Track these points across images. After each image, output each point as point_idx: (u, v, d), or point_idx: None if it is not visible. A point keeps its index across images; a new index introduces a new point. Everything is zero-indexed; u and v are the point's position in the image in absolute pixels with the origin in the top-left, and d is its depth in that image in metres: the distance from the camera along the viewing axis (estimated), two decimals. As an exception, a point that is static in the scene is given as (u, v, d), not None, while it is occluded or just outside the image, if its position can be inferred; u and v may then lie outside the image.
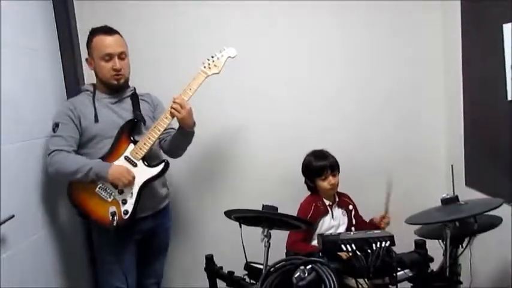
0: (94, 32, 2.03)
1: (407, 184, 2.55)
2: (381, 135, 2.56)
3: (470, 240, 1.65)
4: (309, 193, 2.29)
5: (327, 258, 1.59)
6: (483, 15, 2.05)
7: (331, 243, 1.59)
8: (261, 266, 1.72)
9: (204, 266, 1.97)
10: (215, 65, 2.04)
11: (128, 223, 1.95)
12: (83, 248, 2.38)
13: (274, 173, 2.56)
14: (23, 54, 1.98)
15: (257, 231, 1.78)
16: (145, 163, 2.00)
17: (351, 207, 2.29)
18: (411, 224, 1.65)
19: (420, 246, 1.67)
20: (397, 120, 2.56)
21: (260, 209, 1.78)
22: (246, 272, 1.82)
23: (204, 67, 2.04)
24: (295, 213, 2.16)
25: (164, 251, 2.30)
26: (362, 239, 1.57)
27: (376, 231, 1.66)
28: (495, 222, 1.68)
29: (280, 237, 1.95)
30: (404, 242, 1.69)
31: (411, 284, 1.67)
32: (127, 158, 1.98)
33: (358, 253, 1.54)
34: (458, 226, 1.63)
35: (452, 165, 1.95)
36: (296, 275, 1.19)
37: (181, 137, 2.10)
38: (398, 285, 1.58)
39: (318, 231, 2.17)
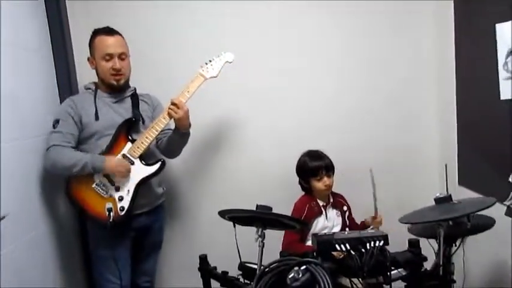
0: (96, 33, 2.08)
1: (401, 183, 2.56)
2: (374, 135, 2.56)
3: (463, 239, 1.66)
4: (303, 193, 2.29)
5: (321, 258, 1.59)
6: (476, 15, 2.06)
7: (325, 243, 1.60)
8: (255, 266, 1.72)
9: (198, 265, 1.96)
10: (213, 69, 2.10)
11: (124, 219, 2.00)
12: (77, 243, 2.38)
13: (269, 173, 2.55)
14: (15, 53, 1.95)
15: (252, 231, 1.78)
16: (143, 161, 2.05)
17: (345, 208, 2.29)
18: (405, 223, 1.65)
19: (414, 245, 1.67)
20: (391, 120, 2.57)
21: (254, 209, 1.78)
22: (240, 272, 1.82)
23: (202, 70, 2.09)
24: (289, 213, 2.15)
25: (157, 250, 2.32)
26: (356, 239, 1.58)
27: (370, 231, 1.66)
28: (489, 223, 1.69)
29: (274, 237, 1.94)
30: (398, 241, 1.70)
31: (405, 283, 1.67)
32: (125, 156, 2.01)
33: (352, 252, 1.55)
34: (451, 225, 1.64)
35: (446, 165, 1.95)
36: (290, 276, 1.19)
37: (177, 138, 2.13)
38: (392, 284, 1.59)
39: (311, 232, 2.16)
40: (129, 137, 2.05)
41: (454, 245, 1.68)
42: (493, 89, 1.88)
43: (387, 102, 2.56)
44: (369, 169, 2.06)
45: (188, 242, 2.60)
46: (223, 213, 1.84)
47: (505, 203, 1.81)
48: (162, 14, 2.49)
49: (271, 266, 1.30)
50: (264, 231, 1.76)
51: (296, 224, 1.85)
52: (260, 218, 1.75)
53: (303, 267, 1.21)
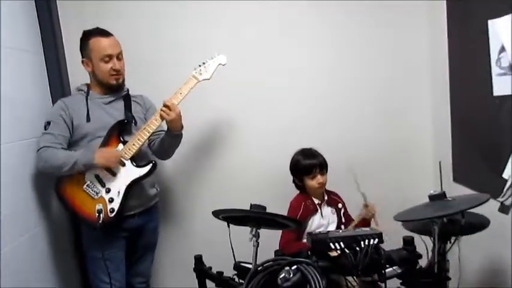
0: (89, 34, 2.06)
1: (395, 181, 2.56)
2: (368, 132, 2.57)
3: (457, 237, 1.66)
4: (297, 192, 2.28)
5: (316, 256, 1.59)
6: (469, 11, 2.06)
7: (320, 242, 1.59)
8: (251, 266, 1.71)
9: (193, 266, 1.96)
10: (206, 71, 2.10)
11: (114, 221, 1.99)
12: (72, 243, 2.37)
13: (263, 173, 2.55)
14: (6, 54, 1.94)
15: (246, 231, 1.77)
16: (134, 163, 2.04)
17: (340, 205, 2.29)
18: (399, 221, 1.65)
19: (408, 243, 1.66)
20: (385, 117, 2.57)
21: (248, 208, 1.77)
22: (235, 272, 1.81)
23: (195, 72, 2.09)
24: (283, 212, 2.15)
25: (151, 250, 2.31)
26: (350, 237, 1.57)
27: (364, 229, 1.66)
28: (483, 223, 1.69)
29: (269, 236, 1.94)
30: (393, 239, 1.70)
31: (400, 281, 1.67)
32: None
33: (347, 251, 1.54)
34: (446, 222, 1.64)
35: (440, 162, 1.95)
36: (281, 276, 1.18)
37: (169, 140, 2.13)
38: (387, 282, 1.58)
39: (307, 230, 2.17)
40: (121, 139, 2.05)
41: (448, 242, 1.68)
42: (486, 85, 1.88)
43: (381, 100, 2.56)
44: (351, 172, 2.09)
45: (183, 242, 2.59)
46: (217, 213, 1.83)
47: (498, 199, 1.82)
48: (155, 14, 2.48)
49: (262, 266, 1.29)
50: (258, 230, 1.76)
51: (290, 223, 1.84)
52: (254, 218, 1.74)
53: (294, 267, 1.20)
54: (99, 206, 1.93)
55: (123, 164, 2.01)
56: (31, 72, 2.17)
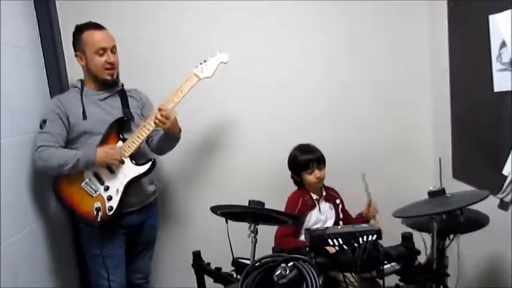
0: (82, 28, 2.03)
1: (395, 177, 2.56)
2: (368, 128, 2.56)
3: (455, 234, 1.65)
4: (295, 188, 2.28)
5: (313, 253, 1.58)
6: (470, 6, 2.04)
7: (318, 238, 1.59)
8: (249, 262, 1.71)
9: (192, 262, 1.95)
10: (208, 69, 2.08)
11: (113, 219, 1.98)
12: (71, 241, 2.37)
13: (261, 169, 2.54)
14: (6, 51, 1.94)
15: (245, 226, 1.77)
16: (133, 161, 2.02)
17: (338, 201, 2.28)
18: (398, 217, 1.64)
19: (407, 239, 1.66)
20: (385, 112, 2.56)
21: (246, 204, 1.77)
22: (234, 268, 1.80)
23: (197, 70, 2.07)
24: (281, 208, 2.14)
25: (151, 247, 2.30)
26: (349, 233, 1.56)
27: (363, 225, 1.65)
28: (483, 221, 1.68)
29: (267, 232, 1.94)
30: (392, 235, 1.69)
31: (398, 277, 1.66)
32: None
33: (345, 247, 1.54)
34: (445, 219, 1.63)
35: (440, 158, 1.94)
36: (277, 273, 1.18)
37: (167, 140, 2.14)
38: (386, 278, 1.58)
39: (305, 225, 2.17)
40: (120, 136, 2.03)
41: (447, 238, 1.68)
42: (486, 81, 1.86)
43: (380, 96, 2.54)
44: (362, 173, 2.07)
45: (182, 238, 2.59)
46: (215, 209, 1.82)
47: (498, 195, 1.81)
48: (155, 12, 2.46)
49: (258, 263, 1.29)
50: (256, 226, 1.75)
51: (288, 219, 1.84)
52: (252, 214, 1.74)
53: (290, 264, 1.19)
54: (97, 204, 1.92)
55: (123, 162, 2.00)
56: (29, 68, 2.16)
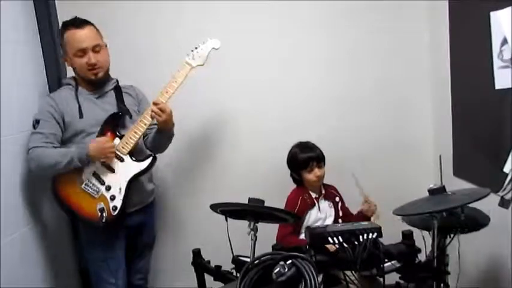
0: (65, 26, 1.95)
1: (395, 175, 2.55)
2: (368, 125, 2.54)
3: (456, 233, 1.65)
4: (294, 186, 2.27)
5: (313, 251, 1.58)
6: (471, 2, 2.03)
7: (318, 236, 1.58)
8: (249, 260, 1.70)
9: (192, 260, 1.95)
10: (199, 56, 2.01)
11: (118, 219, 1.94)
12: (70, 245, 2.35)
13: (261, 167, 2.53)
14: (5, 47, 1.93)
15: (245, 224, 1.76)
16: (133, 158, 1.98)
17: (337, 199, 2.27)
18: (398, 215, 1.64)
19: (407, 237, 1.65)
20: (385, 109, 2.55)
21: (246, 202, 1.77)
22: (233, 266, 1.80)
23: (189, 58, 2.01)
24: (281, 207, 2.14)
25: (150, 247, 2.28)
26: (349, 231, 1.56)
27: (363, 223, 1.64)
28: (483, 221, 1.68)
29: (267, 230, 1.93)
30: (392, 233, 1.69)
31: (399, 275, 1.66)
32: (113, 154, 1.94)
33: (345, 245, 1.53)
34: (445, 216, 1.62)
35: (440, 156, 1.94)
36: (276, 271, 1.17)
37: (161, 137, 2.08)
38: (386, 276, 1.57)
39: (304, 224, 2.16)
40: (117, 133, 1.98)
41: (448, 236, 1.67)
42: (487, 79, 1.85)
43: (380, 93, 2.53)
44: (354, 176, 2.07)
45: (182, 236, 2.59)
46: (215, 207, 1.82)
47: (499, 193, 1.80)
48: (150, 5, 2.43)
49: (257, 261, 1.28)
50: (256, 224, 1.75)
51: (288, 216, 1.84)
52: (252, 212, 1.74)
53: (289, 262, 1.19)
54: (100, 205, 1.88)
55: (122, 160, 1.95)
56: (28, 65, 2.15)
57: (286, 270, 1.16)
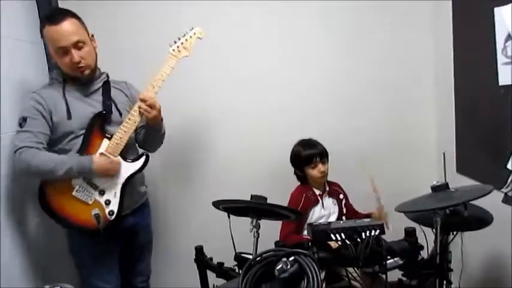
0: (42, 20, 1.79)
1: (398, 171, 2.55)
2: (371, 121, 2.54)
3: (460, 229, 1.65)
4: (296, 183, 2.27)
5: (316, 247, 1.58)
6: (474, -2, 2.02)
7: (320, 233, 1.59)
8: (251, 257, 1.70)
9: (194, 257, 1.95)
10: (184, 48, 1.92)
11: (115, 223, 1.84)
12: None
13: (264, 164, 2.53)
14: (5, 45, 1.92)
15: (247, 221, 1.77)
16: (128, 159, 1.88)
17: (341, 196, 2.28)
18: (401, 211, 1.64)
19: (410, 234, 1.65)
20: (388, 106, 2.54)
21: (249, 199, 1.77)
22: (236, 263, 1.81)
23: (173, 50, 1.91)
24: (283, 203, 2.13)
25: (148, 248, 2.19)
26: (351, 228, 1.56)
27: (365, 220, 1.65)
28: (487, 219, 1.67)
29: (269, 227, 1.93)
30: (395, 230, 1.69)
31: (401, 272, 1.66)
32: (103, 155, 1.81)
33: (348, 242, 1.53)
34: (448, 213, 1.62)
35: (444, 153, 1.93)
36: (278, 267, 1.17)
37: (152, 134, 2.00)
38: (389, 273, 1.58)
39: (308, 221, 2.16)
40: (105, 133, 1.84)
41: (451, 233, 1.67)
42: (491, 75, 1.84)
43: (383, 90, 2.52)
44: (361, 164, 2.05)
45: (184, 233, 2.59)
46: (217, 204, 1.82)
47: (502, 190, 1.80)
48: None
49: (259, 258, 1.29)
50: (258, 221, 1.75)
51: (291, 214, 1.83)
52: (255, 209, 1.74)
53: (291, 258, 1.19)
54: (95, 211, 1.74)
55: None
56: (30, 62, 2.15)
57: (289, 266, 1.16)
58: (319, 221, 2.15)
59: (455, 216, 1.62)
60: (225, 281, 1.79)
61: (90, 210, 1.76)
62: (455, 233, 1.66)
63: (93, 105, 1.87)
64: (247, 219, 1.78)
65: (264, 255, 1.28)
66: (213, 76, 2.43)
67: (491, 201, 1.67)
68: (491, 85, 1.86)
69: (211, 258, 1.93)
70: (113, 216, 1.82)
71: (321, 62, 2.50)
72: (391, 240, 1.64)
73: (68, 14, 1.78)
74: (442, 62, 2.38)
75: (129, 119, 1.83)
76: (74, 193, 1.79)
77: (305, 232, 2.12)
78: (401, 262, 1.62)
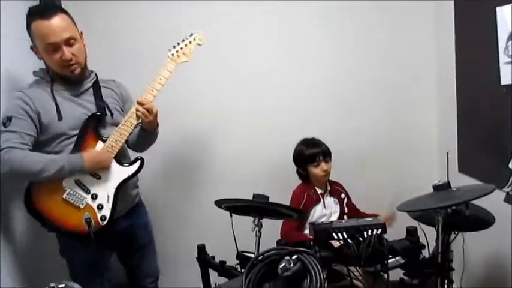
0: (31, 14, 1.68)
1: (400, 171, 2.55)
2: (372, 121, 2.54)
3: (462, 228, 1.65)
4: (297, 182, 2.28)
5: (318, 246, 1.58)
6: (476, -2, 2.02)
7: (322, 232, 1.59)
8: (253, 255, 1.71)
9: (196, 255, 1.96)
10: (184, 53, 1.90)
11: (107, 229, 1.77)
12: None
13: (265, 163, 2.54)
14: (8, 43, 1.93)
15: (249, 220, 1.77)
16: (124, 163, 1.83)
17: (343, 195, 2.28)
18: (403, 211, 1.64)
19: (412, 233, 1.66)
20: (389, 106, 2.54)
21: (251, 198, 1.77)
22: (238, 262, 1.81)
23: (172, 55, 1.89)
24: (285, 202, 2.14)
25: (150, 247, 2.14)
26: (353, 227, 1.56)
27: (367, 219, 1.65)
28: (489, 220, 1.67)
29: (271, 226, 1.94)
30: (396, 229, 1.69)
31: (403, 271, 1.66)
32: None
33: (350, 241, 1.53)
34: (450, 213, 1.62)
35: (447, 153, 1.93)
36: (281, 266, 1.18)
37: (146, 137, 1.96)
38: (390, 272, 1.58)
39: (309, 220, 2.17)
40: (99, 135, 1.79)
41: (453, 232, 1.67)
42: (493, 74, 1.84)
43: (386, 90, 2.53)
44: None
45: (186, 232, 2.60)
46: (220, 203, 1.82)
47: (504, 189, 1.80)
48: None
49: (262, 256, 1.29)
50: (260, 220, 1.75)
51: (293, 213, 1.83)
52: (257, 208, 1.74)
53: (294, 257, 1.19)
54: (86, 215, 1.59)
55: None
56: (31, 61, 2.13)
57: (292, 265, 1.16)
58: (321, 220, 2.16)
59: (457, 215, 1.62)
60: (227, 280, 1.80)
61: (80, 215, 1.64)
62: (456, 232, 1.66)
63: (84, 105, 1.80)
64: (248, 218, 1.79)
65: (266, 254, 1.28)
66: (213, 76, 2.44)
67: (493, 201, 1.66)
68: (493, 85, 1.86)
69: (213, 257, 1.94)
70: (105, 222, 1.76)
71: (321, 61, 2.51)
72: (393, 240, 1.64)
73: (58, 9, 1.71)
74: (443, 62, 2.38)
75: (126, 122, 1.79)
76: (64, 196, 1.71)
77: (306, 231, 2.13)
78: (403, 261, 1.62)
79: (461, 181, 2.03)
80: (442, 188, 1.62)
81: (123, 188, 1.82)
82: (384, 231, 1.56)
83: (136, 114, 1.79)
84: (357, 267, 1.64)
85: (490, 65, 1.86)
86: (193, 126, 2.45)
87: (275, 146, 2.49)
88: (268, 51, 2.48)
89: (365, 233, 1.53)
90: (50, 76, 1.76)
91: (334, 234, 1.55)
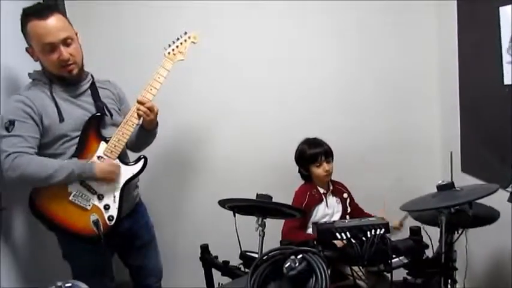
0: (25, 15, 1.66)
1: (403, 170, 2.55)
2: (375, 120, 2.55)
3: (466, 227, 1.65)
4: (300, 182, 2.28)
5: (321, 246, 1.58)
6: (479, -2, 2.02)
7: (325, 232, 1.59)
8: (257, 255, 1.71)
9: (200, 255, 1.96)
10: (180, 51, 1.90)
11: (114, 229, 1.77)
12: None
13: (268, 163, 2.54)
14: (11, 43, 1.91)
15: (253, 220, 1.77)
16: (130, 163, 1.85)
17: (345, 195, 2.28)
18: (406, 210, 1.64)
19: (415, 233, 1.66)
20: (393, 105, 2.54)
21: (254, 198, 1.77)
22: (241, 261, 1.81)
23: (169, 53, 1.89)
24: (288, 202, 2.14)
25: (153, 246, 2.13)
26: (357, 227, 1.56)
27: (370, 219, 1.65)
28: (493, 215, 1.67)
29: (275, 225, 1.94)
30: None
31: (406, 271, 1.66)
32: (100, 158, 1.76)
33: (353, 241, 1.54)
34: (453, 212, 1.62)
35: (451, 153, 1.93)
36: (287, 265, 1.18)
37: (146, 136, 1.98)
38: (394, 272, 1.58)
39: (312, 219, 2.18)
40: (102, 136, 1.79)
41: (456, 232, 1.67)
42: (496, 74, 1.84)
43: (388, 89, 2.53)
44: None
45: (189, 232, 2.60)
46: (223, 203, 1.83)
47: (508, 189, 1.79)
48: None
49: (267, 256, 1.29)
50: (264, 220, 1.76)
51: (296, 212, 1.84)
52: (260, 207, 1.74)
53: (299, 256, 1.19)
54: (94, 217, 1.59)
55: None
56: (32, 60, 2.13)
57: (297, 264, 1.16)
58: (323, 220, 2.16)
59: (460, 215, 1.63)
60: (230, 280, 1.80)
61: (87, 216, 1.63)
62: (460, 231, 1.66)
63: (84, 107, 1.79)
64: (253, 218, 1.79)
65: (271, 254, 1.28)
66: (213, 76, 2.44)
67: (496, 201, 1.66)
68: (496, 84, 1.86)
69: (216, 257, 1.94)
70: (113, 222, 1.76)
71: (322, 61, 2.51)
72: (396, 239, 1.64)
73: (54, 9, 1.70)
74: (446, 62, 2.38)
75: (127, 122, 1.80)
76: (71, 198, 1.70)
77: (309, 230, 2.13)
78: (406, 261, 1.62)
79: (465, 181, 2.03)
80: (446, 187, 1.62)
81: (127, 188, 1.83)
82: (387, 231, 1.56)
83: (138, 114, 1.80)
84: (360, 267, 1.64)
85: (493, 65, 1.86)
86: (194, 126, 2.46)
87: (277, 145, 2.50)
88: (268, 51, 2.48)
89: (368, 232, 1.54)
90: (49, 78, 1.74)
91: (337, 234, 1.55)
